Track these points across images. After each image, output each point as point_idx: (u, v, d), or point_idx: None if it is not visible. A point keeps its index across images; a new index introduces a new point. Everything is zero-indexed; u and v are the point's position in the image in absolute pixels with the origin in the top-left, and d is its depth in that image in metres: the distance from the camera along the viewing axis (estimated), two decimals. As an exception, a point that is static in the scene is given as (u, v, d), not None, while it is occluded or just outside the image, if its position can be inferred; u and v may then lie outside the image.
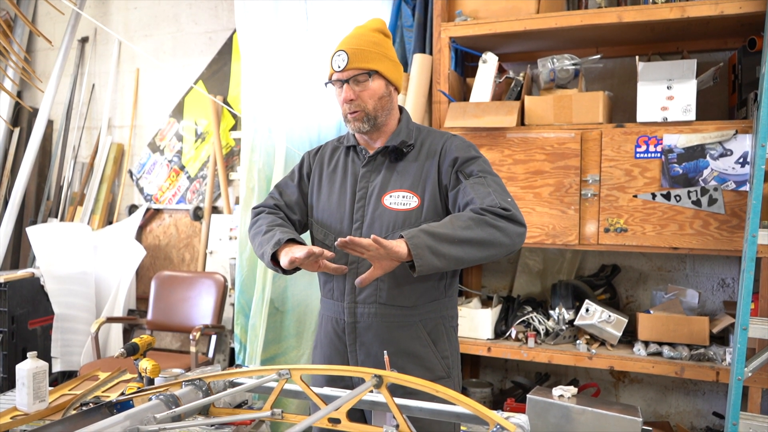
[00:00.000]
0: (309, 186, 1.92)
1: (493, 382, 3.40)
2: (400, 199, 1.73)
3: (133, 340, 2.14)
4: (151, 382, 1.98)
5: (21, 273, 3.88)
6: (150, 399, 1.30)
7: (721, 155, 2.54)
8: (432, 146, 1.78)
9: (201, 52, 4.24)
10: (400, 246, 1.48)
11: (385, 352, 1.56)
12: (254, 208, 1.94)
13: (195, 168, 4.30)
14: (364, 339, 1.76)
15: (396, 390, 1.24)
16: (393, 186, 1.75)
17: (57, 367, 3.89)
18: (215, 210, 4.22)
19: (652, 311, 2.83)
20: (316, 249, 1.59)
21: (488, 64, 2.88)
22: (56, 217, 4.58)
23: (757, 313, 2.48)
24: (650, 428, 2.27)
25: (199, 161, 4.29)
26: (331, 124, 3.37)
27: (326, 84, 1.81)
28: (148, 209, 4.38)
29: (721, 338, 2.81)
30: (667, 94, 2.59)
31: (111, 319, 3.82)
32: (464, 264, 1.58)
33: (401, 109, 1.88)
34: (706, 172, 2.56)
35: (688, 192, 2.58)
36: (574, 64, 2.82)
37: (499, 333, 2.99)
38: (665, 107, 2.59)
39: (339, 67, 1.73)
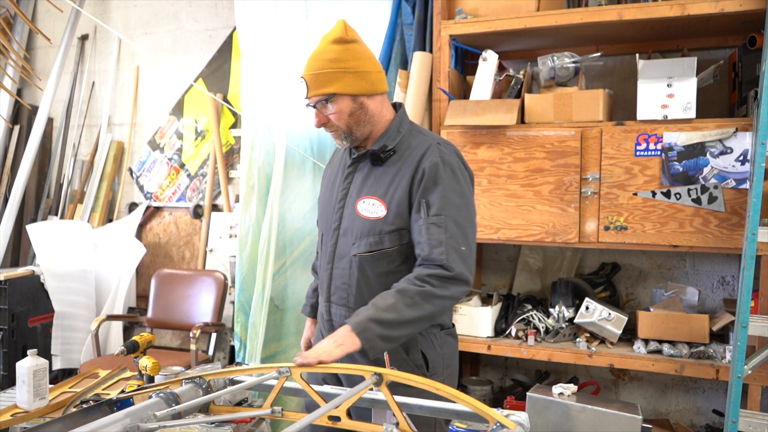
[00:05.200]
0: None
1: (493, 380, 3.40)
2: (370, 207, 1.73)
3: (133, 338, 2.14)
4: (151, 380, 1.98)
5: (21, 271, 3.88)
6: (150, 397, 1.30)
7: (722, 153, 2.53)
8: (412, 155, 1.73)
9: (201, 50, 4.24)
10: (353, 343, 1.50)
11: (385, 351, 1.56)
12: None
13: (195, 166, 4.30)
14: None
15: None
16: (367, 191, 1.75)
17: (57, 365, 3.89)
18: (215, 208, 4.22)
19: (652, 309, 2.83)
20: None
21: (488, 62, 2.88)
22: (56, 214, 4.58)
23: (757, 311, 2.48)
24: (650, 426, 2.27)
25: (199, 159, 4.28)
26: (331, 122, 3.36)
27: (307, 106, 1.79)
28: (148, 207, 4.38)
29: (721, 336, 2.81)
30: (668, 92, 2.59)
31: (111, 317, 3.83)
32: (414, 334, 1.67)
33: (398, 107, 1.84)
34: (706, 170, 2.56)
35: (688, 190, 2.58)
36: (574, 62, 2.82)
37: (499, 331, 2.99)
38: (665, 105, 2.59)
39: (304, 95, 1.72)
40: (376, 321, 1.54)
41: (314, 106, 1.73)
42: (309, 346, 1.99)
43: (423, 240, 1.64)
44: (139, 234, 4.36)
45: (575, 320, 2.84)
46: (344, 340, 1.50)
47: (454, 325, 1.90)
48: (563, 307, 2.90)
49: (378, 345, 1.53)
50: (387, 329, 1.54)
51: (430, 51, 3.05)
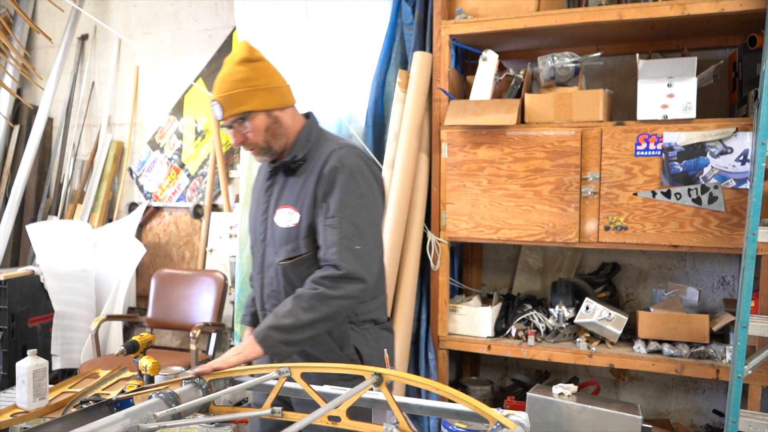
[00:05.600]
0: None
1: (493, 380, 3.40)
2: (286, 215, 1.79)
3: (133, 338, 2.14)
4: (151, 380, 1.98)
5: (21, 271, 3.88)
6: (150, 397, 1.30)
7: (722, 153, 2.53)
8: (318, 162, 1.78)
9: (201, 50, 4.23)
10: (254, 351, 1.59)
11: (385, 350, 1.57)
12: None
13: (195, 166, 4.30)
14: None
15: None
16: (284, 201, 1.81)
17: (57, 365, 3.89)
18: (215, 208, 4.21)
19: (652, 309, 2.83)
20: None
21: (488, 62, 2.88)
22: (56, 214, 4.58)
23: (757, 311, 2.48)
24: (650, 426, 2.27)
25: (199, 159, 4.28)
26: (331, 122, 3.37)
27: (222, 126, 1.86)
28: (148, 207, 4.38)
29: (721, 336, 2.81)
30: (668, 91, 2.59)
31: (111, 317, 3.82)
32: (318, 335, 1.71)
33: (308, 116, 1.90)
34: (706, 170, 2.56)
35: (689, 190, 2.58)
36: (574, 62, 2.82)
37: (499, 331, 2.99)
38: (665, 105, 2.59)
39: (219, 117, 1.77)
40: (275, 328, 1.62)
41: (230, 126, 1.78)
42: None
43: (321, 241, 1.72)
44: (139, 234, 4.35)
45: (575, 320, 2.84)
46: (245, 348, 1.60)
47: (389, 319, 1.96)
48: (563, 307, 2.90)
49: (281, 350, 1.63)
50: (287, 334, 1.62)
51: (430, 51, 3.05)
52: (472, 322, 3.00)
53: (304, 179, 1.78)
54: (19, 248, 4.64)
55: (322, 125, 1.93)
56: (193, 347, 3.29)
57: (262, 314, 1.90)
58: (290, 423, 1.07)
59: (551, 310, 2.97)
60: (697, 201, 2.57)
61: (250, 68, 1.77)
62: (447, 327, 3.01)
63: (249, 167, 3.34)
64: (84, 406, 1.92)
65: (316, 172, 1.76)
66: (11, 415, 1.90)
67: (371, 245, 1.74)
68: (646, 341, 2.75)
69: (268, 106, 1.77)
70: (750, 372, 2.21)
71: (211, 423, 1.85)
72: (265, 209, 1.85)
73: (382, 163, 3.11)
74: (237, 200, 4.05)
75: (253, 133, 1.77)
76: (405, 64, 3.19)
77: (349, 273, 1.66)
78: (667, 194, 2.61)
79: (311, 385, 1.33)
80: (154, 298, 3.81)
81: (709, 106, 2.92)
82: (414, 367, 3.09)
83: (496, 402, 3.16)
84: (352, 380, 1.43)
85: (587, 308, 2.80)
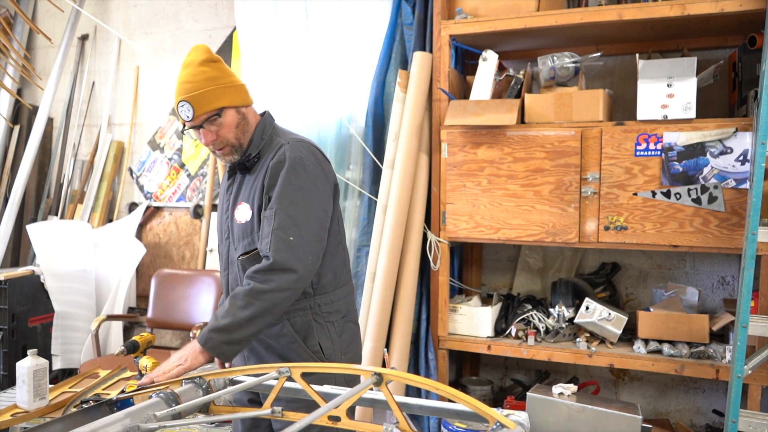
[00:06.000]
0: None
1: (493, 380, 3.40)
2: (242, 212, 1.83)
3: (134, 338, 2.14)
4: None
5: (21, 271, 3.88)
6: (150, 397, 1.30)
7: (722, 153, 2.53)
8: (267, 158, 1.82)
9: (201, 50, 4.23)
10: (195, 359, 1.64)
11: (385, 350, 1.57)
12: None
13: (195, 166, 4.30)
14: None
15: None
16: (241, 198, 1.85)
17: (57, 365, 3.89)
18: (215, 208, 4.21)
19: (652, 309, 2.83)
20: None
21: (488, 62, 2.88)
22: (56, 214, 4.58)
23: (757, 311, 2.48)
24: (650, 426, 2.27)
25: (199, 159, 4.28)
26: (331, 122, 3.37)
27: (182, 132, 1.86)
28: (148, 207, 4.38)
29: (721, 336, 2.81)
30: (668, 92, 2.59)
31: (111, 317, 3.82)
32: (264, 330, 1.73)
33: (263, 114, 1.92)
34: (706, 170, 2.56)
35: (688, 190, 2.58)
36: (574, 62, 2.82)
37: (499, 331, 2.99)
38: (665, 105, 2.59)
39: (188, 117, 1.77)
40: (216, 330, 1.65)
41: (200, 126, 1.79)
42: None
43: (259, 234, 1.75)
44: (139, 234, 4.35)
45: (575, 320, 2.84)
46: (186, 358, 1.64)
47: (355, 311, 1.98)
48: (563, 307, 2.90)
49: (225, 350, 1.66)
50: (227, 334, 1.65)
51: (430, 51, 3.05)
52: (472, 322, 3.00)
53: (255, 176, 1.82)
54: (20, 248, 4.64)
55: (277, 123, 1.94)
56: (193, 347, 3.28)
57: None
58: (290, 423, 1.08)
59: (551, 310, 2.97)
60: (697, 201, 2.57)
61: (214, 68, 1.80)
62: (447, 327, 3.01)
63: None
64: (84, 406, 1.92)
65: (264, 167, 1.80)
66: (11, 415, 1.90)
67: (307, 236, 1.73)
68: (646, 341, 2.75)
69: (237, 102, 1.81)
70: (750, 372, 2.21)
71: (211, 423, 1.85)
72: (227, 208, 1.89)
73: (382, 163, 3.11)
74: (237, 200, 4.04)
75: (226, 130, 1.79)
76: (405, 64, 3.19)
77: (278, 263, 1.67)
78: (667, 194, 2.61)
79: (311, 385, 1.33)
80: (154, 298, 3.81)
81: (709, 106, 2.92)
82: (414, 367, 3.09)
83: (496, 402, 3.16)
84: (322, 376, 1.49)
85: (587, 308, 2.80)
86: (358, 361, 1.99)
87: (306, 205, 1.76)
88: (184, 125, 1.83)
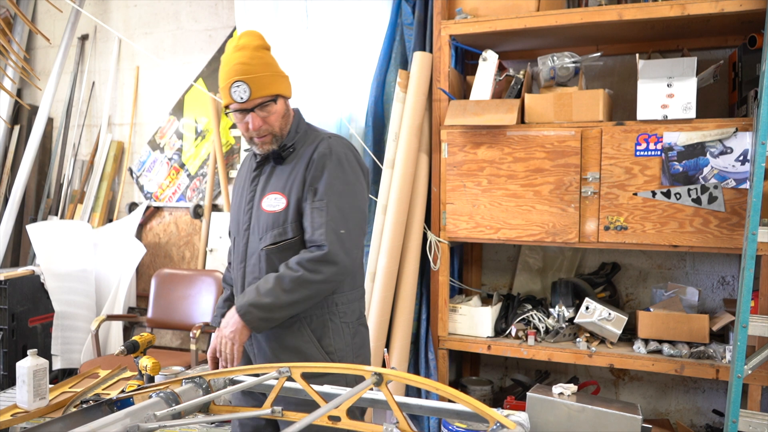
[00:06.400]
0: None
1: (493, 380, 3.40)
2: (273, 201, 1.83)
3: (134, 338, 2.14)
4: (151, 379, 1.98)
5: (21, 270, 3.88)
6: (150, 396, 1.30)
7: (722, 153, 2.53)
8: (307, 150, 1.84)
9: (201, 50, 4.23)
10: (242, 333, 1.73)
11: (385, 350, 1.57)
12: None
13: (195, 166, 4.30)
14: (254, 334, 1.86)
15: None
16: (271, 188, 1.85)
17: (57, 365, 3.89)
18: (215, 208, 4.22)
19: (652, 309, 2.83)
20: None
21: (488, 62, 2.88)
22: (56, 214, 4.58)
23: (757, 311, 2.49)
24: (650, 426, 2.27)
25: (199, 159, 4.28)
26: (331, 122, 3.37)
27: (226, 113, 1.86)
28: (148, 207, 4.38)
29: (721, 336, 2.81)
30: (668, 91, 2.59)
31: (111, 317, 3.83)
32: (296, 314, 1.79)
33: (295, 109, 1.94)
34: (706, 170, 2.56)
35: (688, 190, 2.58)
36: (574, 62, 2.82)
37: (499, 331, 2.99)
38: (665, 105, 2.59)
39: (241, 98, 1.76)
40: (257, 305, 1.71)
41: (250, 110, 1.79)
42: (215, 358, 2.01)
43: (307, 223, 1.77)
44: (139, 234, 4.35)
45: (575, 320, 2.84)
46: (235, 334, 1.73)
47: (365, 315, 2.01)
48: (563, 307, 2.90)
49: (259, 325, 1.73)
50: (267, 312, 1.71)
51: (430, 51, 3.05)
52: (472, 322, 3.00)
53: (292, 166, 1.83)
54: (20, 248, 4.64)
55: (321, 125, 1.97)
56: (193, 347, 3.29)
57: None
58: (291, 423, 1.08)
59: (551, 310, 2.97)
60: (697, 201, 2.57)
61: (269, 55, 1.82)
62: (447, 327, 3.02)
63: (249, 167, 3.34)
64: (84, 405, 1.92)
65: (305, 158, 1.81)
66: (11, 415, 1.90)
67: (354, 231, 1.79)
68: (646, 341, 2.75)
69: (287, 93, 1.84)
70: (750, 372, 2.21)
71: (211, 423, 1.85)
72: (251, 198, 1.88)
73: (382, 163, 3.11)
74: (237, 200, 4.04)
75: (274, 118, 1.80)
76: (405, 64, 3.19)
77: (331, 255, 1.72)
78: (667, 194, 2.61)
79: (311, 385, 1.33)
80: (154, 298, 3.81)
81: (709, 106, 2.92)
82: (414, 367, 3.09)
83: (496, 402, 3.16)
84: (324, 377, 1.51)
85: (587, 308, 2.80)
86: (367, 365, 1.98)
87: (353, 199, 1.81)
88: (227, 107, 1.82)
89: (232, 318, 1.74)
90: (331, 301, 1.83)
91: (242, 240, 1.90)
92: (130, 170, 4.50)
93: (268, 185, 1.86)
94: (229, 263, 2.14)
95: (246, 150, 2.11)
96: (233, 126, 4.15)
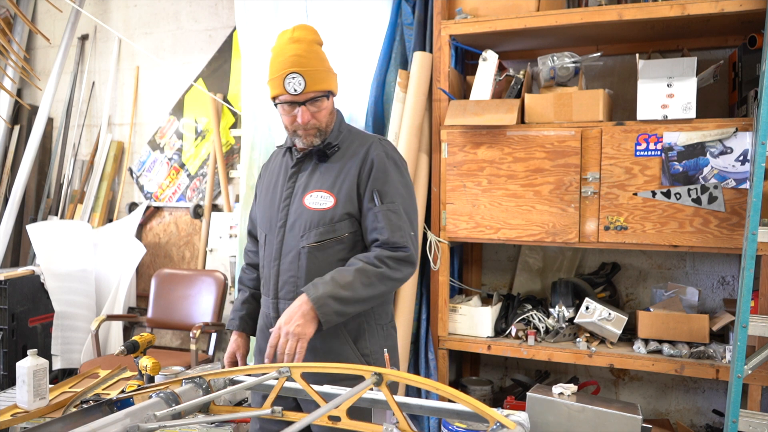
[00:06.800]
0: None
1: (493, 380, 3.40)
2: (318, 199, 1.81)
3: (134, 338, 2.14)
4: (151, 379, 1.98)
5: (21, 270, 3.88)
6: (150, 397, 1.30)
7: (722, 153, 2.53)
8: (356, 149, 1.84)
9: (201, 50, 4.24)
10: (312, 324, 1.65)
11: (385, 350, 1.57)
12: (245, 249, 2.15)
13: (195, 166, 4.30)
14: None
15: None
16: (314, 186, 1.83)
17: (57, 365, 3.89)
18: (215, 208, 4.22)
19: (652, 309, 2.83)
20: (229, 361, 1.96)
21: (488, 62, 2.88)
22: (56, 214, 4.58)
23: (757, 311, 2.48)
24: (650, 426, 2.27)
25: (199, 159, 4.29)
26: (331, 121, 3.36)
27: (275, 104, 1.83)
28: (148, 207, 4.38)
29: (721, 336, 2.81)
30: (668, 92, 2.59)
31: (111, 317, 3.83)
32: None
33: (337, 111, 1.95)
34: (706, 170, 2.56)
35: (688, 190, 2.58)
36: (574, 62, 2.82)
37: (499, 331, 2.99)
38: (665, 105, 2.59)
39: (295, 90, 1.75)
40: (335, 298, 1.66)
41: (301, 103, 1.77)
42: (233, 360, 2.01)
43: (381, 225, 1.76)
44: (139, 234, 4.36)
45: (575, 320, 2.84)
46: (303, 327, 1.64)
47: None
48: (563, 307, 2.90)
49: (333, 320, 1.68)
50: (343, 306, 1.67)
51: (430, 51, 3.05)
52: (472, 322, 3.00)
53: (340, 166, 1.82)
54: (20, 248, 4.64)
55: None
56: (193, 347, 3.29)
57: (274, 303, 1.87)
58: (290, 422, 1.08)
59: (551, 310, 2.97)
60: (697, 201, 2.57)
61: (322, 51, 1.82)
62: (447, 327, 3.02)
63: (249, 167, 3.34)
64: (84, 406, 1.92)
65: (358, 159, 1.81)
66: (11, 415, 1.90)
67: (416, 232, 1.84)
68: (646, 341, 2.75)
69: (336, 91, 1.85)
70: (750, 372, 2.21)
71: (211, 423, 1.85)
72: (289, 195, 1.86)
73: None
74: (237, 200, 4.05)
75: (323, 114, 1.80)
76: (405, 64, 3.19)
77: (411, 257, 1.76)
78: (667, 194, 2.61)
79: (311, 385, 1.33)
80: (154, 298, 3.81)
81: (709, 106, 2.92)
82: (414, 367, 3.09)
83: (496, 402, 3.16)
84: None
85: (587, 308, 2.80)
86: (398, 368, 1.97)
87: (413, 202, 1.86)
88: (274, 98, 1.80)
89: (299, 311, 1.66)
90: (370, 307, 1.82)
91: (276, 237, 1.86)
92: (130, 170, 4.51)
93: (310, 183, 1.83)
94: (248, 264, 2.11)
95: (279, 146, 2.08)
96: (233, 126, 4.15)
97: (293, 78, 1.73)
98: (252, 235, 2.11)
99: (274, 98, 1.81)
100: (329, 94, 1.80)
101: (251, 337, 2.06)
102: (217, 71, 4.18)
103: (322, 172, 1.83)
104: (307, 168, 1.87)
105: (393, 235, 1.74)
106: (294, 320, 1.65)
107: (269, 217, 1.91)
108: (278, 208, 1.87)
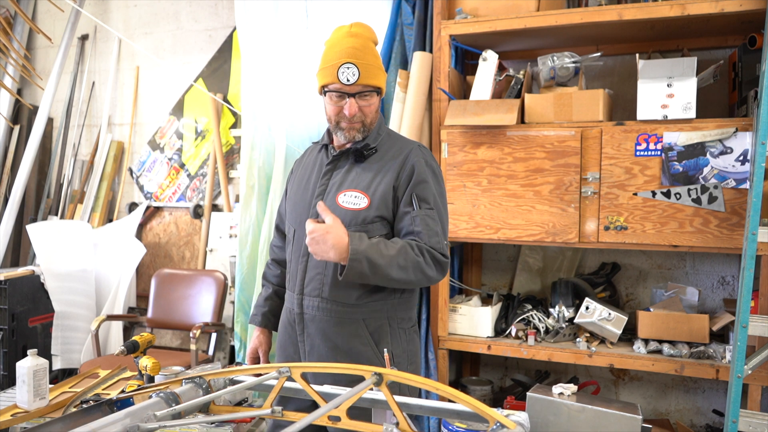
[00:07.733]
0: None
1: (493, 380, 3.40)
2: (352, 199, 1.81)
3: (134, 338, 2.14)
4: (151, 379, 1.98)
5: (21, 270, 3.88)
6: (150, 397, 1.30)
7: (721, 153, 2.53)
8: (395, 152, 1.84)
9: (201, 50, 4.24)
10: (340, 256, 1.67)
11: (385, 350, 1.56)
12: (271, 244, 2.17)
13: (195, 166, 4.30)
14: (309, 331, 1.85)
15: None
16: (349, 185, 1.83)
17: (57, 365, 3.89)
18: (215, 208, 4.22)
19: (652, 309, 2.83)
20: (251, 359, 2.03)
21: (488, 62, 2.88)
22: (56, 214, 4.58)
23: (757, 311, 2.48)
24: (650, 426, 2.27)
25: (199, 159, 4.29)
26: (331, 121, 3.36)
27: (324, 92, 1.83)
28: (148, 207, 4.38)
29: (721, 336, 2.81)
30: (668, 92, 2.59)
31: (111, 317, 3.83)
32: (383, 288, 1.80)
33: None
34: (706, 170, 2.56)
35: (688, 190, 2.58)
36: (574, 62, 2.82)
37: (499, 331, 2.99)
38: (665, 105, 2.59)
39: (348, 80, 1.75)
40: (369, 261, 1.67)
41: (352, 95, 1.78)
42: (255, 356, 2.04)
43: (419, 229, 1.77)
44: (139, 234, 4.36)
45: (575, 320, 2.84)
46: (333, 247, 1.66)
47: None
48: (563, 307, 2.90)
49: (354, 277, 1.68)
50: (371, 272, 1.68)
51: (430, 51, 3.05)
52: (472, 322, 3.00)
53: (377, 168, 1.83)
54: (20, 248, 4.64)
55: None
56: (193, 347, 3.29)
57: (299, 299, 1.87)
58: (290, 423, 1.08)
59: (551, 310, 2.97)
60: (697, 201, 2.57)
61: (375, 49, 1.84)
62: (447, 327, 3.02)
63: (249, 167, 3.34)
64: (84, 406, 1.92)
65: (396, 163, 1.82)
66: (11, 415, 1.90)
67: (448, 244, 1.86)
68: (646, 341, 2.75)
69: (384, 92, 1.88)
70: (750, 372, 2.21)
71: (211, 423, 1.85)
72: (322, 192, 1.86)
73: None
74: (237, 200, 4.05)
75: (370, 110, 1.81)
76: (405, 64, 3.19)
77: (447, 264, 1.79)
78: (667, 194, 2.61)
79: (311, 385, 1.33)
80: (154, 298, 3.81)
81: (709, 106, 2.92)
82: (414, 367, 3.09)
83: (496, 402, 3.16)
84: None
85: (587, 308, 2.80)
86: (419, 374, 1.96)
87: (446, 212, 1.89)
88: (323, 87, 1.81)
89: (338, 241, 1.67)
90: (390, 305, 1.82)
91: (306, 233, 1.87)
92: (130, 170, 4.51)
93: (345, 182, 1.83)
94: (273, 259, 2.11)
95: (314, 142, 2.07)
96: (233, 126, 4.15)
97: (348, 68, 1.74)
98: (279, 230, 2.11)
99: (323, 86, 1.81)
100: (379, 90, 1.82)
101: (273, 333, 2.07)
102: (217, 71, 4.18)
103: (358, 173, 1.83)
104: (342, 166, 1.87)
105: (430, 240, 1.76)
106: (331, 240, 1.67)
107: (300, 212, 1.90)
108: (310, 204, 1.87)
